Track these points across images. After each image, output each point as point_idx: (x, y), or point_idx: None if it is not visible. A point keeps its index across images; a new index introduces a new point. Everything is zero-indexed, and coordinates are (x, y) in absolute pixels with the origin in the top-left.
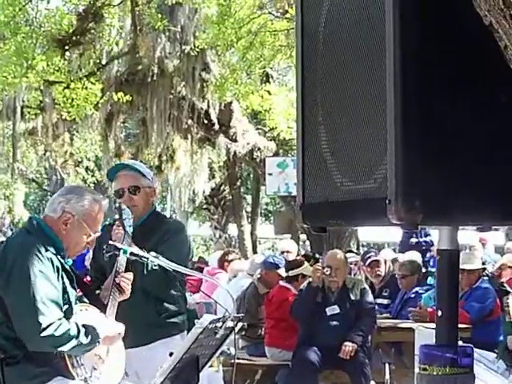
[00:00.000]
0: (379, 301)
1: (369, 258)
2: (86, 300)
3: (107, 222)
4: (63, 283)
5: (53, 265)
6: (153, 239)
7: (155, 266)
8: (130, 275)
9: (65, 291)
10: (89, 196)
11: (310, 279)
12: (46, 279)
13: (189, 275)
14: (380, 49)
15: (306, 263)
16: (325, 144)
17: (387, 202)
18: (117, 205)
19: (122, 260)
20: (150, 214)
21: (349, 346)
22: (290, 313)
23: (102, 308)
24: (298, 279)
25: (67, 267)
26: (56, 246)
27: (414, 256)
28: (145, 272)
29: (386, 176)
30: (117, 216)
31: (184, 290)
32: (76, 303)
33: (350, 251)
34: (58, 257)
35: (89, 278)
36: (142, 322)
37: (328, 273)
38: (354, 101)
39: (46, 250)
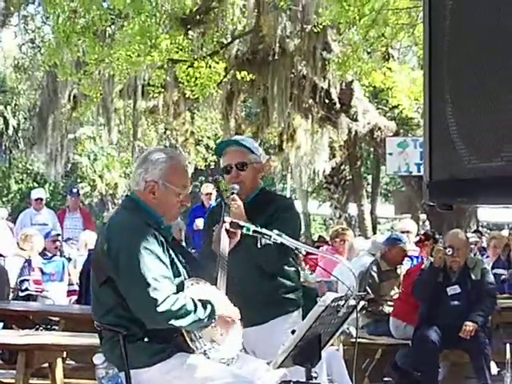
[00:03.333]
0: None
1: None
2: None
3: (215, 203)
4: (170, 256)
5: (157, 240)
6: (262, 216)
7: (273, 241)
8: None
9: (172, 264)
10: (162, 156)
11: (431, 259)
12: (153, 255)
13: (309, 253)
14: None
15: None
16: (452, 122)
17: None
18: (213, 177)
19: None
20: (258, 191)
21: (470, 326)
22: (411, 292)
23: (212, 281)
24: None
25: (170, 240)
26: (155, 219)
27: None
28: (258, 246)
29: None
30: (215, 190)
31: (298, 265)
32: (185, 277)
33: (475, 231)
34: (160, 231)
35: None
36: (259, 300)
37: (450, 253)
38: (482, 77)
39: (148, 226)
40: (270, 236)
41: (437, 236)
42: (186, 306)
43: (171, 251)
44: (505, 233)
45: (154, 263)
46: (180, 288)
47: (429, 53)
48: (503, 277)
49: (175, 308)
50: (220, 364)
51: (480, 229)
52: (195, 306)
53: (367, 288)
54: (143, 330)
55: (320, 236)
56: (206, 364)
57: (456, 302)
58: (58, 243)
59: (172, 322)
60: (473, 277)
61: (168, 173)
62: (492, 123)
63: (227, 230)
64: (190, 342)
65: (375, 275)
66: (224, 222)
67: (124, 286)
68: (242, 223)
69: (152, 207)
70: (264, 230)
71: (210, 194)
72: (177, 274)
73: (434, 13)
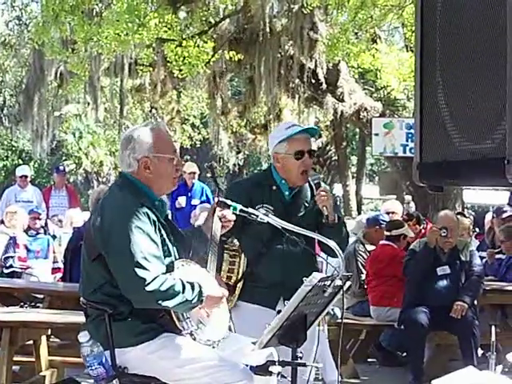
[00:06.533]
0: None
1: (505, 211)
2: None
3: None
4: (161, 235)
5: (149, 219)
6: (310, 202)
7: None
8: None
9: (164, 244)
10: (144, 131)
11: (426, 239)
12: (144, 235)
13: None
14: (500, 8)
15: (406, 224)
16: (443, 104)
17: (506, 162)
18: (208, 163)
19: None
20: None
21: (460, 306)
22: (403, 272)
23: (200, 261)
24: (400, 239)
25: (163, 220)
26: (149, 197)
27: None
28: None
29: (504, 136)
30: (209, 174)
31: None
32: (176, 258)
33: (460, 213)
34: (154, 210)
35: None
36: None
37: (444, 234)
38: (473, 61)
39: (142, 205)
40: (257, 215)
41: (420, 217)
42: (175, 287)
43: (163, 231)
44: (489, 216)
45: (144, 242)
46: (170, 268)
47: (420, 35)
48: (485, 259)
49: (163, 288)
50: (206, 346)
51: (465, 211)
52: (183, 287)
53: (360, 266)
54: (130, 309)
55: None
56: (192, 345)
57: (445, 283)
58: (38, 220)
59: (160, 302)
60: (462, 258)
61: (155, 144)
62: (483, 105)
63: (220, 219)
64: (177, 322)
65: (363, 254)
66: (216, 206)
67: (113, 263)
68: (229, 202)
69: (147, 185)
70: (251, 210)
71: (194, 173)
72: (167, 254)
73: None
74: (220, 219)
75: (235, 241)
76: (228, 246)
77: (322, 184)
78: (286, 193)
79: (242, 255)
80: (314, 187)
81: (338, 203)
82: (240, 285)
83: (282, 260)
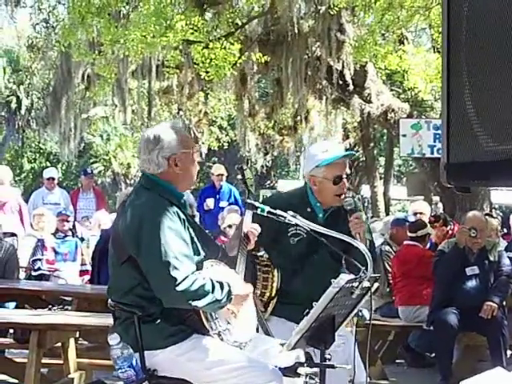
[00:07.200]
0: None
1: None
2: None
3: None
4: (190, 234)
5: (179, 217)
6: (344, 224)
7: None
8: (257, 226)
9: (193, 242)
10: (168, 130)
11: (455, 240)
12: (175, 234)
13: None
14: None
15: (428, 224)
16: (469, 105)
17: None
18: (238, 165)
19: (248, 214)
20: None
21: (490, 306)
22: (432, 273)
23: (231, 264)
24: (425, 239)
25: (191, 219)
26: (175, 195)
27: None
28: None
29: None
30: (239, 176)
31: None
32: (205, 256)
33: (488, 214)
34: (182, 209)
35: (223, 238)
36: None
37: (474, 235)
38: (500, 61)
39: (171, 205)
40: (285, 217)
41: (447, 218)
42: (204, 287)
43: (191, 229)
44: None
45: (175, 241)
46: (199, 266)
47: (447, 36)
48: None
49: (194, 288)
50: (233, 347)
51: (492, 211)
52: (213, 286)
53: (387, 267)
54: (160, 310)
55: None
56: (220, 347)
57: (474, 283)
58: (66, 223)
59: (190, 302)
60: (490, 258)
61: (180, 141)
62: (510, 105)
63: (246, 236)
64: (205, 322)
65: (390, 255)
66: (247, 209)
67: (145, 263)
68: (257, 204)
69: (172, 183)
70: (279, 212)
71: (222, 174)
72: (196, 253)
73: (453, 0)
74: (246, 235)
75: (263, 252)
76: (259, 261)
77: (356, 202)
78: (320, 215)
79: (275, 271)
80: (347, 212)
81: (366, 204)
82: (274, 301)
83: (314, 277)
